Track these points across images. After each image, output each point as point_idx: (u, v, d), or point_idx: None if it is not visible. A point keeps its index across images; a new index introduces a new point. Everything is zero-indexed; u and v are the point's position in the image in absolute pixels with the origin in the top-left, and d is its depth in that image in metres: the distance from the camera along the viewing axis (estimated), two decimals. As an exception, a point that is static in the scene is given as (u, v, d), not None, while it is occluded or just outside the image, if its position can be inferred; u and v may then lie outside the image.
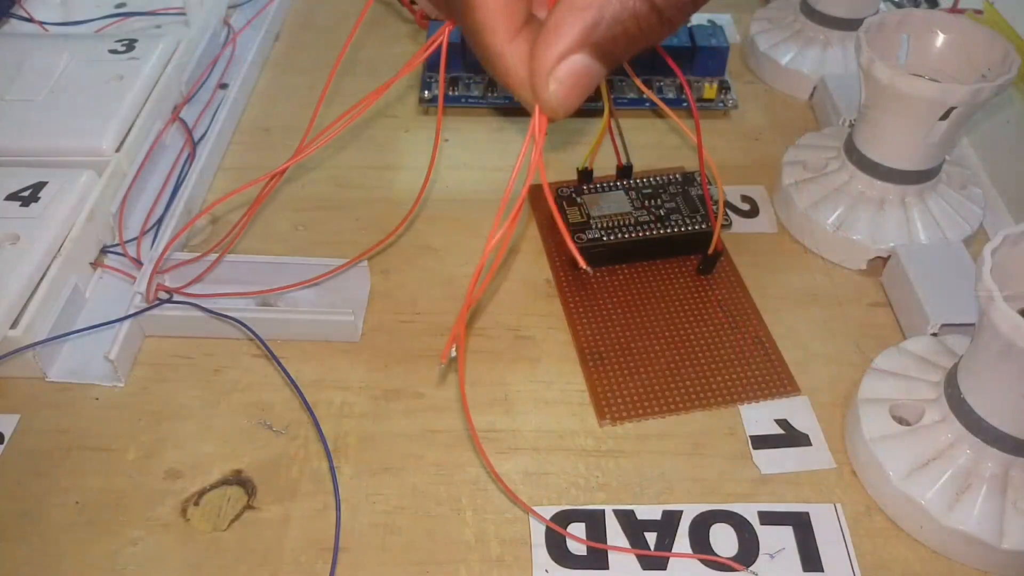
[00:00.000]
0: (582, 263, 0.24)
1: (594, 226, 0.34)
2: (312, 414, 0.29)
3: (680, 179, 0.36)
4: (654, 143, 0.41)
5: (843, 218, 0.34)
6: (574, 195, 0.35)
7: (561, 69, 0.20)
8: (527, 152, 0.22)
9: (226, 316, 0.30)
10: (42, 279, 0.31)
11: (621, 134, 0.36)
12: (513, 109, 0.42)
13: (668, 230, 0.34)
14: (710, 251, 0.33)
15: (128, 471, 0.28)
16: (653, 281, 0.34)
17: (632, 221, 0.34)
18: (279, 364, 0.30)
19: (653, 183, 0.35)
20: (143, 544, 0.26)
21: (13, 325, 0.29)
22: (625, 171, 0.36)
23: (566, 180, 0.37)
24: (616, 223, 0.34)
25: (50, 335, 0.30)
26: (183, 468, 0.28)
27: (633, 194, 0.35)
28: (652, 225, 0.34)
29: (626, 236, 0.33)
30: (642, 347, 0.31)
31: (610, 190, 0.35)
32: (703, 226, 0.34)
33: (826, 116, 0.41)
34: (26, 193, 0.33)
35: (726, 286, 0.34)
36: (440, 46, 0.24)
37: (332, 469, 0.27)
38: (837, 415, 0.30)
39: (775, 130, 0.42)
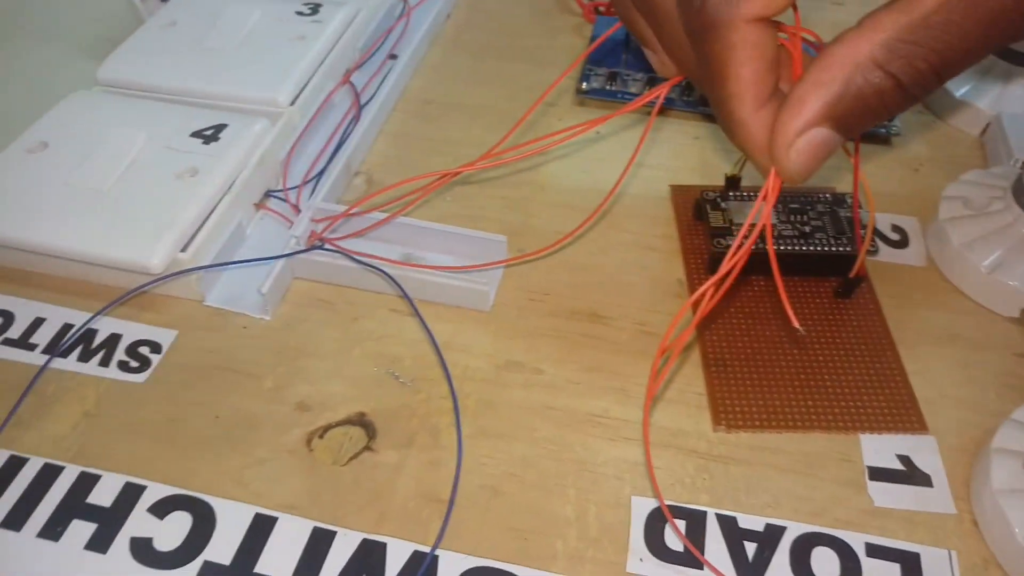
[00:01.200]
0: (795, 323, 0.24)
1: (735, 233, 0.33)
2: (446, 370, 0.30)
3: (830, 199, 0.35)
4: (807, 161, 0.40)
5: (1001, 261, 0.33)
6: (719, 200, 0.35)
7: (802, 140, 0.21)
8: (758, 210, 0.23)
9: (374, 267, 0.32)
10: (212, 212, 0.33)
11: (776, 146, 0.35)
12: (668, 110, 0.42)
13: (810, 248, 0.33)
14: (852, 274, 0.32)
15: (264, 397, 0.30)
16: (788, 297, 0.33)
17: (774, 234, 0.33)
18: (421, 320, 0.32)
19: (801, 199, 0.35)
20: (269, 465, 0.28)
21: (183, 249, 0.32)
22: (774, 184, 0.36)
23: (713, 185, 0.37)
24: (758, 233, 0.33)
25: (213, 262, 0.33)
26: (313, 403, 0.30)
27: (779, 207, 0.34)
28: (795, 240, 0.33)
29: (766, 247, 0.33)
30: (768, 360, 0.31)
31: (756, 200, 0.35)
32: (847, 249, 0.33)
33: (996, 155, 0.39)
34: (209, 132, 0.35)
35: (863, 313, 0.33)
36: (658, 98, 0.26)
37: (458, 426, 0.29)
38: (964, 461, 0.29)
39: (937, 163, 0.40)
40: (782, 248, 0.33)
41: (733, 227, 0.34)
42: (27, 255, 0.33)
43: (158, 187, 0.33)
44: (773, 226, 0.34)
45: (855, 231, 0.33)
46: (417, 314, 0.32)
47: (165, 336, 0.32)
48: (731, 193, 0.35)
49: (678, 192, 0.38)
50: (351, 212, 0.33)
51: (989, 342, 0.32)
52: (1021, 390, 0.31)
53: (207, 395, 0.30)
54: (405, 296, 0.32)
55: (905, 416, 0.30)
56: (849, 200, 0.35)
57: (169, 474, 0.28)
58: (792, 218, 0.34)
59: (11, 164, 0.34)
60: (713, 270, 0.34)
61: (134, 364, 0.31)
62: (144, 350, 0.31)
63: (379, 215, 0.33)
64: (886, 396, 0.30)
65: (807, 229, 0.34)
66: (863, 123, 0.21)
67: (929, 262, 0.35)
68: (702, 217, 0.35)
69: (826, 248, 0.33)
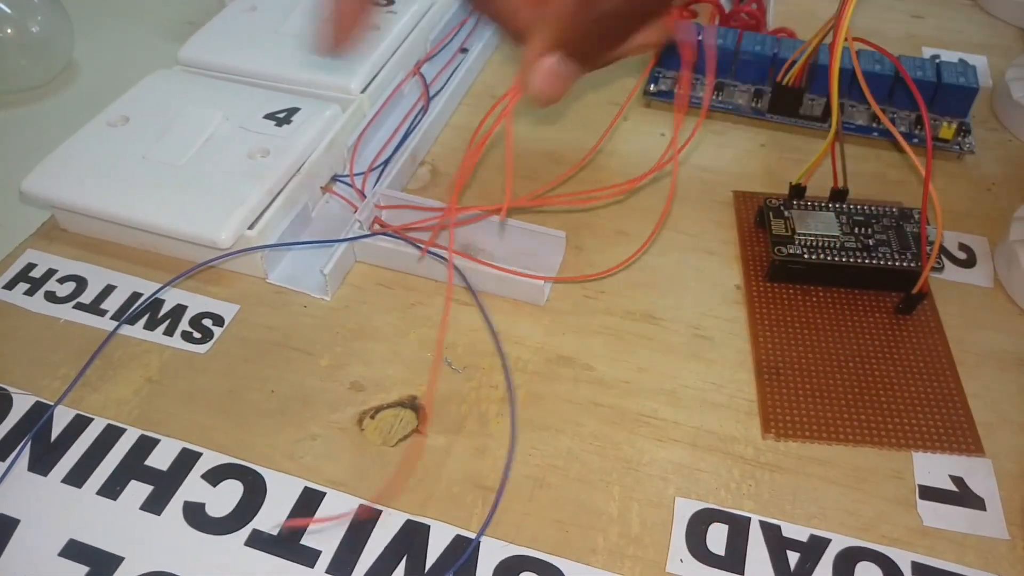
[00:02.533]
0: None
1: (797, 242, 0.33)
2: (504, 361, 0.31)
3: (896, 213, 0.34)
4: (874, 173, 0.39)
5: (1072, 286, 0.32)
6: (782, 208, 0.34)
7: (539, 66, 0.24)
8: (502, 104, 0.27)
9: (437, 255, 0.32)
10: (280, 192, 0.34)
11: (843, 158, 0.35)
12: (737, 116, 0.42)
13: (873, 261, 0.33)
14: (914, 290, 0.32)
15: (319, 375, 0.30)
16: (847, 309, 0.33)
17: (837, 245, 0.33)
18: (482, 310, 0.32)
19: (867, 212, 0.34)
20: (321, 441, 0.28)
21: (251, 227, 0.33)
22: (838, 194, 0.35)
23: (777, 192, 0.37)
24: (820, 243, 0.33)
25: (279, 241, 0.34)
26: (367, 383, 0.30)
27: (844, 219, 0.34)
28: (857, 253, 0.33)
29: (828, 258, 0.33)
30: (822, 371, 0.31)
31: (820, 210, 0.34)
32: (911, 264, 0.32)
33: (1074, 178, 0.38)
34: (281, 115, 0.36)
35: (923, 330, 0.32)
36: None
37: (513, 415, 0.29)
38: (1021, 487, 0.28)
39: (1011, 183, 0.39)
40: (844, 260, 0.33)
41: (795, 236, 0.33)
42: (102, 224, 0.34)
43: (230, 165, 0.34)
44: (836, 238, 0.33)
45: (921, 247, 0.33)
46: (478, 303, 0.32)
47: (228, 310, 0.33)
48: (795, 202, 0.35)
49: (741, 198, 0.38)
50: (414, 205, 0.34)
51: (1055, 368, 0.31)
52: (1086, 419, 0.30)
53: (265, 370, 0.31)
54: (469, 288, 0.32)
55: (961, 437, 0.29)
56: (916, 215, 0.34)
57: (224, 443, 0.28)
58: (856, 231, 0.34)
59: (93, 136, 0.35)
60: (773, 278, 0.34)
61: (197, 335, 0.32)
62: (207, 322, 0.32)
63: (442, 205, 0.34)
64: (942, 416, 0.30)
65: (871, 242, 0.33)
66: (592, 50, 0.24)
67: (996, 283, 0.34)
68: (764, 224, 0.35)
69: (889, 263, 0.33)
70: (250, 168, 0.34)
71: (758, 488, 0.28)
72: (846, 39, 0.32)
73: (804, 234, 0.33)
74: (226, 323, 0.32)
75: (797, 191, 0.36)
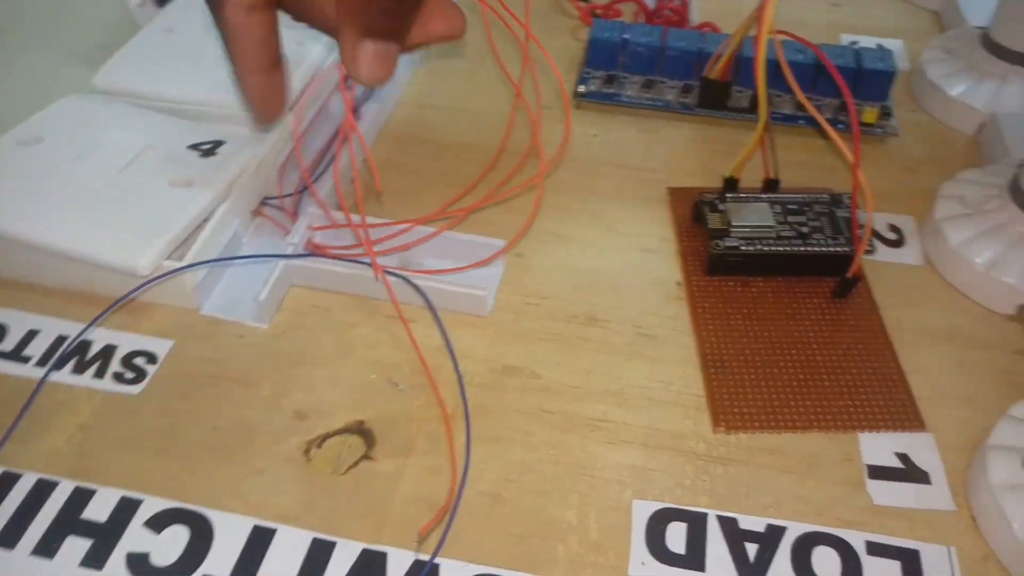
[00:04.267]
0: None
1: (733, 234, 0.33)
2: (459, 374, 0.30)
3: (828, 199, 0.35)
4: (804, 161, 0.40)
5: (996, 259, 0.33)
6: (717, 201, 0.35)
7: (357, 56, 0.25)
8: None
9: (393, 272, 0.32)
10: (208, 219, 0.33)
11: (773, 148, 0.35)
12: (667, 113, 0.42)
13: (808, 248, 0.33)
14: (848, 274, 0.32)
15: (262, 406, 0.30)
16: (786, 297, 0.33)
17: (773, 235, 0.33)
18: (440, 325, 0.32)
19: (799, 200, 0.35)
20: (267, 475, 0.28)
21: (181, 257, 0.31)
22: (771, 185, 0.36)
23: (710, 186, 0.37)
24: (756, 234, 0.33)
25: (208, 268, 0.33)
26: (310, 411, 0.29)
27: (777, 208, 0.34)
28: (792, 241, 0.33)
29: (764, 249, 0.33)
30: (766, 361, 0.31)
31: (754, 201, 0.35)
32: (845, 249, 0.33)
33: (991, 154, 0.39)
34: (206, 147, 0.35)
35: (860, 312, 0.33)
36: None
37: (468, 432, 0.29)
38: (962, 459, 0.29)
39: (934, 163, 0.40)
40: (781, 249, 0.33)
41: (731, 228, 0.34)
42: (20, 264, 0.33)
43: (152, 194, 0.33)
44: (772, 228, 0.34)
45: (853, 231, 0.33)
46: (438, 321, 0.32)
47: (161, 346, 0.31)
48: (729, 195, 0.35)
49: (676, 194, 0.38)
50: (348, 224, 0.33)
51: (986, 340, 0.32)
52: (1018, 387, 0.31)
53: (204, 405, 0.30)
54: (429, 305, 0.32)
55: (903, 414, 0.30)
56: (846, 200, 0.35)
57: (166, 487, 0.27)
58: (790, 219, 0.34)
59: (2, 154, 0.34)
60: (713, 271, 0.34)
61: (129, 375, 0.31)
62: (140, 361, 0.31)
63: (377, 221, 0.33)
64: (884, 395, 0.30)
65: (805, 230, 0.34)
66: (392, 26, 0.25)
67: (926, 261, 0.35)
68: (701, 219, 0.35)
69: (824, 248, 0.33)
70: (173, 197, 0.33)
71: (712, 483, 0.28)
72: (769, 31, 0.32)
73: (740, 226, 0.34)
74: (160, 360, 0.31)
75: (731, 184, 0.36)
